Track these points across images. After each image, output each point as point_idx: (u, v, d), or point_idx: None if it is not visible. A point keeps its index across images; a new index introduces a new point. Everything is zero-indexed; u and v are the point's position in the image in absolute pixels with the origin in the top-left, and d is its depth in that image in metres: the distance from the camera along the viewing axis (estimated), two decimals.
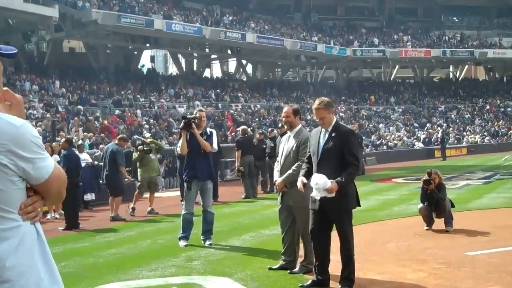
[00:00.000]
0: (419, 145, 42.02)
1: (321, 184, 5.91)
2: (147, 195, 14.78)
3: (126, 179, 14.00)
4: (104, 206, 15.93)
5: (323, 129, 6.23)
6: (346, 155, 5.98)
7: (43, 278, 2.14)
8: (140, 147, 14.68)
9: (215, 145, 9.50)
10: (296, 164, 6.99)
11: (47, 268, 2.17)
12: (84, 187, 15.69)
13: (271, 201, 14.86)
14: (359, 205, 6.31)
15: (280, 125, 18.67)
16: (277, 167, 7.38)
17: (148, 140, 15.11)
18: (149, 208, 14.19)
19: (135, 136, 22.36)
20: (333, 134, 6.10)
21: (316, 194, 6.03)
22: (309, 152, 6.40)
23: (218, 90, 43.79)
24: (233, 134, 30.39)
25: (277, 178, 7.21)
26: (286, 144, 7.23)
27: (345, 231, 6.12)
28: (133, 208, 14.05)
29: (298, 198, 6.91)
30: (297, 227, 7.15)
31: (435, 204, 9.88)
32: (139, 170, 14.64)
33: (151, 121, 31.78)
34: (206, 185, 9.41)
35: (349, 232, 6.14)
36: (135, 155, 14.80)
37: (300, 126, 7.30)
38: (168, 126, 31.83)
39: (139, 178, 14.68)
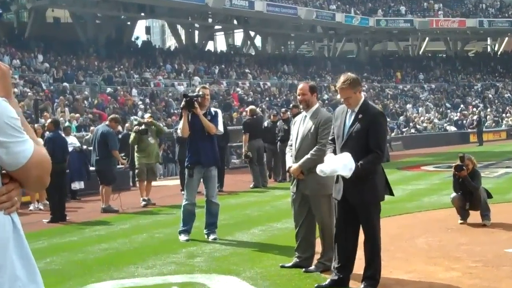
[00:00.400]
0: (451, 128, 41.91)
1: (327, 171, 5.97)
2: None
3: (122, 165, 14.08)
4: (94, 196, 16.03)
5: (349, 109, 6.18)
6: (370, 140, 5.93)
7: (19, 276, 2.10)
8: (136, 127, 14.70)
9: (220, 127, 9.49)
10: (315, 148, 6.96)
11: (24, 264, 2.14)
12: (71, 174, 15.76)
13: (283, 191, 14.88)
14: (392, 194, 6.28)
15: (292, 105, 18.68)
16: (290, 151, 7.36)
17: (147, 121, 15.02)
18: (145, 198, 14.23)
19: (134, 117, 22.38)
20: (360, 116, 6.04)
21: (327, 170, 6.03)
22: (333, 134, 6.37)
23: (223, 66, 43.78)
24: (242, 115, 30.40)
25: (291, 164, 7.20)
26: (302, 125, 7.20)
27: (372, 225, 6.09)
28: (147, 200, 14.24)
29: (316, 187, 6.90)
30: (316, 219, 7.14)
31: (469, 193, 9.86)
32: (136, 155, 14.62)
33: (147, 100, 31.83)
34: (210, 172, 9.42)
35: (376, 227, 6.11)
36: (132, 137, 14.78)
37: (317, 105, 7.29)
38: (166, 106, 31.90)
39: (136, 164, 14.68)
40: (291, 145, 7.35)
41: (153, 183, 15.22)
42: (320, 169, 6.08)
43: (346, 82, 6.09)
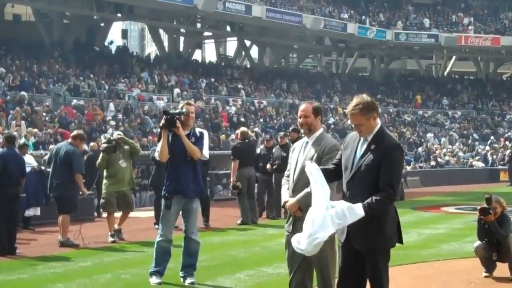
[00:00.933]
0: (479, 164, 41.97)
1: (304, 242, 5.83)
2: (117, 214, 14.60)
3: (81, 192, 13.90)
4: (50, 226, 15.94)
5: (361, 137, 6.16)
6: (381, 176, 5.85)
7: None
8: (103, 145, 14.63)
9: (206, 151, 9.51)
10: None
11: None
12: (27, 199, 15.74)
13: (277, 229, 14.86)
14: (400, 241, 6.23)
15: (291, 128, 18.71)
16: (286, 183, 7.36)
17: (117, 137, 14.74)
18: (113, 233, 14.14)
19: (104, 134, 22.28)
20: (373, 146, 5.95)
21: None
22: (338, 160, 6.36)
23: (212, 79, 43.89)
24: (231, 138, 30.45)
25: (287, 198, 7.20)
26: (302, 153, 7.21)
27: (378, 277, 6.02)
28: (116, 232, 14.16)
29: None
30: (313, 265, 7.12)
31: (496, 242, 9.85)
32: (104, 181, 14.46)
33: (120, 116, 31.83)
34: (191, 203, 9.42)
35: (383, 279, 6.06)
36: (99, 159, 14.52)
37: (321, 130, 7.28)
38: (142, 123, 31.91)
39: (103, 192, 14.53)
40: (288, 176, 7.35)
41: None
42: (295, 245, 5.92)
43: (358, 106, 6.00)
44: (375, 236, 5.89)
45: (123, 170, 14.26)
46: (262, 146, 19.04)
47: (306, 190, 6.94)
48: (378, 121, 6.06)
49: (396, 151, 5.95)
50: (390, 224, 5.98)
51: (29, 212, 16.25)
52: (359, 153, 6.04)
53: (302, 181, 7.05)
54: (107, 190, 14.23)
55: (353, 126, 6.14)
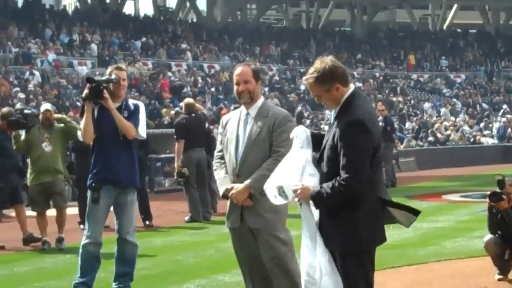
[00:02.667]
0: (489, 140, 42.32)
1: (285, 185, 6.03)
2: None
3: None
4: None
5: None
6: (341, 160, 5.91)
7: None
8: (13, 122, 13.78)
9: (142, 129, 9.45)
10: (269, 161, 7.08)
11: None
12: None
13: None
14: (382, 240, 6.27)
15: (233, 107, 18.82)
16: (221, 167, 7.41)
17: (44, 113, 13.83)
18: (46, 240, 13.66)
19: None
20: (336, 123, 6.04)
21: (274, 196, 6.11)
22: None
23: (148, 38, 43.68)
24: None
25: (229, 184, 7.25)
26: (243, 127, 7.28)
27: (349, 283, 6.12)
28: (47, 242, 13.65)
29: (272, 217, 7.04)
30: (269, 265, 7.20)
31: (510, 236, 9.96)
32: (29, 170, 14.00)
33: (30, 87, 31.57)
34: (125, 195, 9.39)
35: (356, 285, 6.12)
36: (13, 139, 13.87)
37: (263, 98, 7.41)
38: (60, 95, 31.67)
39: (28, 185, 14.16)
40: (220, 158, 7.41)
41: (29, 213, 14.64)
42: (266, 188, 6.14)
43: (313, 74, 6.08)
44: (343, 234, 5.94)
45: (47, 156, 13.58)
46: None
47: (258, 172, 7.01)
48: (349, 89, 6.05)
49: (350, 127, 5.88)
50: (367, 219, 5.97)
51: None
52: (328, 130, 6.13)
53: (250, 161, 7.13)
54: (30, 184, 13.95)
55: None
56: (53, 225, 13.74)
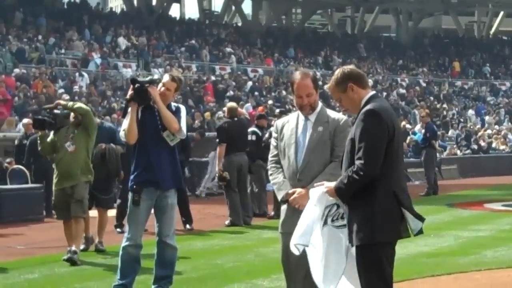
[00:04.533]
0: None
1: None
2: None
3: None
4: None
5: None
6: (356, 150, 6.19)
7: None
8: (38, 123, 12.84)
9: (183, 127, 9.46)
10: (331, 165, 7.15)
11: None
12: None
13: (275, 232, 14.81)
14: (399, 235, 6.25)
15: (278, 111, 18.81)
16: (277, 171, 7.39)
17: (63, 104, 12.90)
18: (71, 249, 12.37)
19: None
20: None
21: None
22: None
23: (193, 41, 43.80)
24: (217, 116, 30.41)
25: (289, 189, 7.21)
26: (303, 132, 7.26)
27: (363, 278, 6.17)
28: (72, 251, 12.39)
29: None
30: None
31: None
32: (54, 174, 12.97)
33: (76, 88, 31.75)
34: (166, 198, 9.40)
35: (369, 282, 6.14)
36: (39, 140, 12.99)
37: (321, 104, 7.39)
38: (104, 97, 31.83)
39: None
40: (276, 162, 7.38)
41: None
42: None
43: (333, 79, 6.41)
44: (359, 228, 6.11)
45: (69, 158, 12.36)
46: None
47: (322, 177, 6.98)
48: (368, 93, 6.35)
49: (364, 116, 6.20)
50: (381, 212, 6.10)
51: None
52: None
53: (311, 166, 7.10)
54: (54, 188, 12.77)
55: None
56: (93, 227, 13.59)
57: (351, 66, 6.61)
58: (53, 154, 12.76)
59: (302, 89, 7.23)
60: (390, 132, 6.09)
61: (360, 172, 6.00)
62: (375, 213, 6.06)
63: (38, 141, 12.81)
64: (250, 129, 18.37)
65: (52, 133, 12.45)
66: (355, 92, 6.29)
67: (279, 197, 7.30)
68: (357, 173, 6.02)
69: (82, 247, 13.05)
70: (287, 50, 48.71)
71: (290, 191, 7.18)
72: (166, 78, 9.62)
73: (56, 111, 12.41)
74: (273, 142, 7.55)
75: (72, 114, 12.42)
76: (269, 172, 7.52)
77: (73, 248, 12.17)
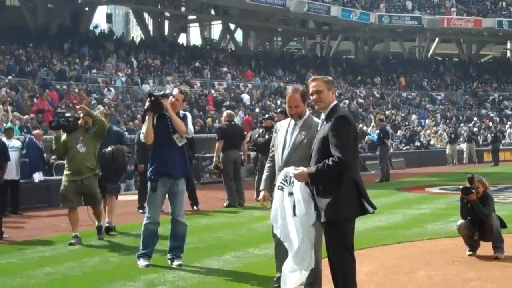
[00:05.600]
0: (462, 145, 42.10)
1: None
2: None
3: None
4: (38, 210, 15.96)
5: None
6: (332, 146, 6.34)
7: None
8: (54, 124, 12.08)
9: (191, 127, 9.54)
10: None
11: None
12: (30, 166, 17.68)
13: (263, 211, 14.81)
14: (364, 211, 6.31)
15: (279, 110, 18.64)
16: (268, 167, 7.45)
17: (87, 110, 12.14)
18: (75, 234, 11.87)
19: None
20: (326, 121, 6.54)
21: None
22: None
23: (197, 63, 43.78)
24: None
25: (263, 187, 7.36)
26: (290, 134, 7.28)
27: (330, 249, 6.25)
28: (98, 227, 12.35)
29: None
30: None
31: (478, 221, 9.92)
32: (65, 169, 12.27)
33: (106, 101, 31.73)
34: (177, 185, 9.44)
35: (335, 249, 6.21)
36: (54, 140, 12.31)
37: (308, 113, 7.41)
38: (128, 108, 31.80)
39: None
40: (271, 161, 7.44)
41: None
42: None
43: (327, 78, 6.69)
44: (328, 208, 6.20)
45: (81, 157, 11.80)
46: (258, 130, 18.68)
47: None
48: (335, 101, 6.60)
49: (339, 121, 6.38)
50: (345, 195, 6.21)
51: (35, 177, 17.77)
52: (319, 130, 6.69)
53: (292, 162, 7.12)
54: (63, 181, 12.02)
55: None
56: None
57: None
58: (65, 153, 12.03)
59: (291, 101, 7.26)
60: (354, 133, 6.33)
61: (339, 161, 6.13)
62: (340, 196, 6.16)
63: (53, 141, 12.17)
64: (260, 130, 17.86)
65: (65, 134, 11.84)
66: (333, 95, 6.53)
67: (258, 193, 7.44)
68: (336, 162, 6.14)
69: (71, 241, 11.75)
70: (271, 69, 48.75)
71: (262, 191, 7.42)
72: (175, 91, 9.73)
73: (68, 114, 11.98)
74: (272, 140, 7.61)
75: (81, 120, 11.88)
76: (265, 170, 7.61)
77: (100, 223, 12.34)
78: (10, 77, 30.03)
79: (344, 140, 6.23)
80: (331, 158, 6.17)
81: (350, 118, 6.40)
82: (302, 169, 6.36)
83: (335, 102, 6.54)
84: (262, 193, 7.41)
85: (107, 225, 12.69)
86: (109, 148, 12.09)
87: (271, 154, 7.50)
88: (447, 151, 37.38)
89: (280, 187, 6.52)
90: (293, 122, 7.34)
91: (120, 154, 12.20)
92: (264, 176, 7.57)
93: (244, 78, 44.80)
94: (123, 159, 12.39)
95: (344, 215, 6.19)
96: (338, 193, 6.17)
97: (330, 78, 6.69)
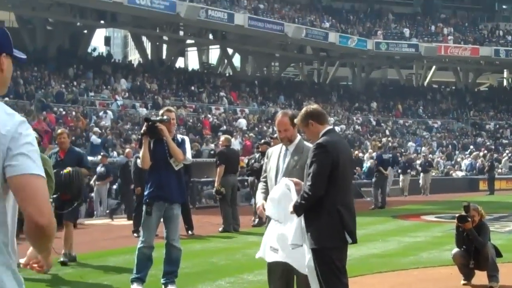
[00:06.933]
0: (458, 173, 42.20)
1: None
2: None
3: None
4: None
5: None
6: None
7: None
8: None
9: (189, 155, 9.52)
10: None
11: None
12: None
13: (258, 237, 14.79)
14: (342, 241, 6.29)
15: (263, 141, 18.75)
16: (263, 189, 7.38)
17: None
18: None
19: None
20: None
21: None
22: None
23: (194, 87, 43.87)
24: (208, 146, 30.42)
25: (262, 201, 7.23)
26: (283, 160, 7.25)
27: (320, 277, 6.21)
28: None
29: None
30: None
31: (474, 250, 9.90)
32: None
33: (103, 123, 31.79)
34: (172, 210, 9.40)
35: (324, 279, 6.18)
36: None
37: (299, 137, 7.36)
38: (120, 133, 31.76)
39: None
40: (265, 182, 7.39)
41: (101, 221, 14.27)
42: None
43: (299, 116, 6.74)
44: (311, 235, 6.21)
45: None
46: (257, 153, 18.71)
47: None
48: (325, 128, 6.57)
49: (314, 149, 6.42)
50: (327, 223, 6.19)
51: None
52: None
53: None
54: None
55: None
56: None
57: (314, 106, 6.81)
58: None
59: (280, 125, 7.24)
60: (334, 160, 6.19)
61: (309, 192, 6.13)
62: (322, 225, 6.15)
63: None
64: (256, 155, 18.00)
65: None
66: (314, 127, 6.49)
67: (257, 207, 7.29)
68: (306, 193, 6.14)
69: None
70: (268, 94, 48.93)
71: (259, 205, 7.21)
72: (168, 113, 9.61)
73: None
74: (264, 165, 7.60)
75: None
76: (259, 188, 7.55)
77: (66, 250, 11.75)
78: (7, 99, 30.03)
79: (317, 168, 6.20)
80: (302, 191, 6.24)
81: (329, 145, 6.29)
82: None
83: (329, 127, 6.59)
84: (260, 203, 7.30)
85: (61, 259, 11.54)
86: (66, 170, 11.60)
87: (263, 179, 7.47)
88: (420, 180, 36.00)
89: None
90: (284, 147, 7.33)
91: (76, 176, 11.70)
92: (260, 191, 7.45)
93: (242, 103, 44.89)
94: (79, 182, 11.89)
95: (325, 244, 6.19)
96: (320, 222, 6.17)
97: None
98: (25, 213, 2.87)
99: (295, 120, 6.75)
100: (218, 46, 55.17)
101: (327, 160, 6.18)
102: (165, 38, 50.49)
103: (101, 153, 23.98)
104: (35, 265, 3.38)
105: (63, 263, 11.50)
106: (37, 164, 2.93)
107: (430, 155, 44.24)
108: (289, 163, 7.16)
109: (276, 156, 7.35)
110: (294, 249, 6.33)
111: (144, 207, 9.49)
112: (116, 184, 22.40)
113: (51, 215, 2.90)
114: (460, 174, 42.07)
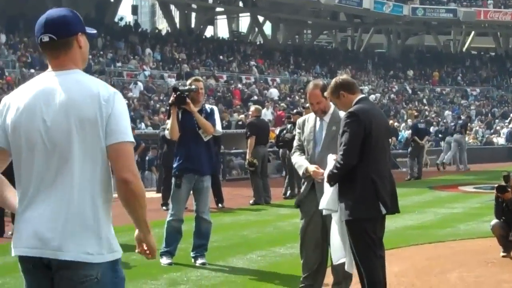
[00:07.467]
0: (499, 141, 41.80)
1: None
2: None
3: None
4: None
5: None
6: None
7: None
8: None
9: (218, 126, 9.49)
10: None
11: None
12: None
13: (290, 209, 14.83)
14: (383, 210, 6.19)
15: (295, 111, 18.61)
16: (300, 155, 7.23)
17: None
18: None
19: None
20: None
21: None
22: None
23: (224, 56, 43.80)
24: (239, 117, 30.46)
25: (308, 164, 7.06)
26: (320, 130, 7.13)
27: (353, 248, 6.20)
28: None
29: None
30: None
31: None
32: None
33: (131, 94, 31.87)
34: (202, 182, 9.41)
35: (357, 249, 6.17)
36: None
37: (333, 107, 7.24)
38: (147, 104, 31.84)
39: None
40: (299, 149, 7.25)
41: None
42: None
43: (329, 88, 6.63)
44: (345, 206, 6.17)
45: None
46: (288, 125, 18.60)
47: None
48: (357, 97, 6.48)
49: (345, 117, 6.39)
50: (361, 194, 6.13)
51: None
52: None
53: (325, 159, 6.96)
54: None
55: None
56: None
57: (344, 76, 6.77)
58: None
59: (312, 97, 7.12)
60: (367, 128, 6.13)
61: (341, 161, 6.12)
62: (356, 195, 6.11)
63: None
64: (288, 126, 17.92)
65: None
66: (346, 98, 6.40)
67: (300, 173, 7.15)
68: (338, 163, 6.14)
69: None
70: (300, 63, 48.74)
71: (309, 167, 6.99)
72: (196, 83, 9.59)
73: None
74: (297, 135, 7.47)
75: None
76: (292, 156, 7.43)
77: None
78: (32, 70, 30.22)
79: (348, 137, 6.16)
80: (336, 159, 6.26)
81: (361, 113, 6.21)
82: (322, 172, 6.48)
83: (361, 96, 6.52)
84: (308, 165, 7.05)
85: None
86: None
87: (297, 147, 7.34)
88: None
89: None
90: (318, 118, 7.21)
91: None
92: (301, 157, 7.30)
93: (274, 72, 44.78)
94: None
95: (358, 215, 6.13)
96: (353, 193, 6.14)
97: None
98: (116, 172, 3.71)
99: (325, 94, 6.71)
100: (248, 13, 54.94)
101: (359, 129, 6.11)
102: (193, 6, 50.42)
103: None
104: (146, 253, 3.94)
105: None
106: (129, 131, 3.65)
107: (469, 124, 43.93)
108: (327, 135, 7.06)
109: (312, 128, 7.23)
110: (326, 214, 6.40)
111: (173, 180, 9.54)
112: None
113: (138, 173, 3.73)
114: (501, 142, 41.65)
